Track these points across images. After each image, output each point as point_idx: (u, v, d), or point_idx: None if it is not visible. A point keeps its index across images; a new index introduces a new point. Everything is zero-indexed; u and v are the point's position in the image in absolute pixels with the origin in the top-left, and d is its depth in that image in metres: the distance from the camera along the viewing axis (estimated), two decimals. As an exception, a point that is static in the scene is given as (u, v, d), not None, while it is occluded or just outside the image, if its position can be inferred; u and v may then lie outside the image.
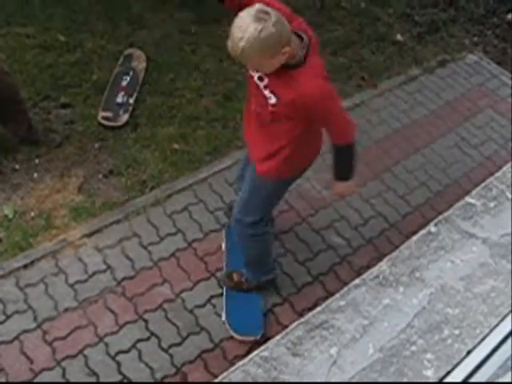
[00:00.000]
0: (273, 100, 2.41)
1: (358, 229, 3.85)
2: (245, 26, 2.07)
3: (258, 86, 2.47)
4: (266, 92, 2.43)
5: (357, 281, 1.77)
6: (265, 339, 2.98)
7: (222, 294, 3.33)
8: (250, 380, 1.43)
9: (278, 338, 1.59)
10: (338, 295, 1.74)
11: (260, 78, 2.44)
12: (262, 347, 1.56)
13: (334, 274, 3.56)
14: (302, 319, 1.67)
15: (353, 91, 4.94)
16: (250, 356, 1.51)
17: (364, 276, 1.80)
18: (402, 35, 5.69)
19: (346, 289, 1.77)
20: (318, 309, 1.70)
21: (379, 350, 1.54)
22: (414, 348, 1.54)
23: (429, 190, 4.22)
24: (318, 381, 1.42)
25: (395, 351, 1.56)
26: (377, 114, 4.75)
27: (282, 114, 2.46)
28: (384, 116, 4.74)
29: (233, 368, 1.51)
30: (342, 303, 1.68)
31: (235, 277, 3.33)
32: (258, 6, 2.14)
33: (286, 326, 3.12)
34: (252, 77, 2.49)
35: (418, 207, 4.08)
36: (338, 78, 5.00)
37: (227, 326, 3.18)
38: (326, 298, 3.31)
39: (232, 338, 3.16)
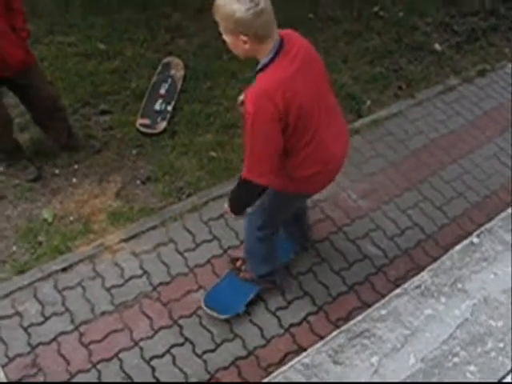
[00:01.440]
0: None
1: (394, 239, 3.81)
2: None
3: None
4: None
5: (398, 290, 1.75)
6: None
7: (256, 302, 3.33)
8: (292, 387, 1.42)
9: (318, 345, 1.58)
10: (379, 304, 1.72)
11: None
12: (304, 354, 1.56)
13: (369, 284, 3.53)
14: (343, 327, 1.66)
15: (390, 101, 4.91)
16: (291, 363, 1.51)
17: (405, 286, 1.78)
18: (441, 44, 5.64)
19: (387, 298, 1.76)
20: (359, 317, 1.69)
21: (421, 361, 1.52)
22: (456, 359, 1.51)
23: (466, 200, 4.16)
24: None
25: (437, 362, 1.54)
26: (414, 123, 4.71)
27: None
28: (421, 126, 4.70)
29: (274, 374, 1.50)
30: (384, 312, 1.67)
31: (238, 263, 3.38)
32: None
33: (320, 336, 3.14)
34: None
35: (456, 218, 4.03)
36: (375, 88, 4.99)
37: (203, 300, 3.25)
38: (361, 308, 3.31)
39: (266, 345, 3.16)
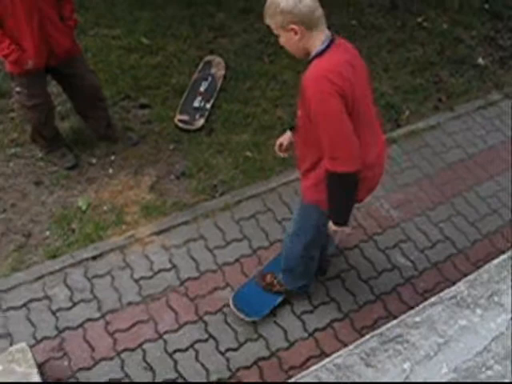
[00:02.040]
0: (299, 113, 2.43)
1: (425, 251, 3.77)
2: None
3: None
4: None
5: (433, 299, 1.73)
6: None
7: (282, 305, 3.33)
8: (323, 386, 1.43)
9: (351, 347, 1.58)
10: (413, 311, 1.71)
11: None
12: (335, 354, 1.56)
13: (396, 295, 3.50)
14: (377, 331, 1.65)
15: (429, 112, 4.87)
16: (323, 362, 1.51)
17: (441, 295, 1.76)
18: (484, 58, 5.58)
19: (421, 306, 1.74)
20: (393, 322, 1.68)
21: (453, 371, 1.50)
22: (490, 373, 1.49)
23: (501, 218, 4.10)
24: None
25: (470, 373, 1.52)
26: (452, 136, 4.66)
27: (301, 113, 2.41)
28: (459, 139, 4.65)
29: (305, 372, 1.50)
30: (418, 319, 1.66)
31: (268, 278, 3.34)
32: None
33: (344, 343, 3.13)
34: None
35: (488, 235, 3.97)
36: (415, 98, 4.95)
37: (231, 299, 3.25)
38: (387, 318, 3.30)
39: (289, 348, 3.16)
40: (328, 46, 2.29)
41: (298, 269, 3.15)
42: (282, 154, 3.01)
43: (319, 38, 2.29)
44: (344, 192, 2.40)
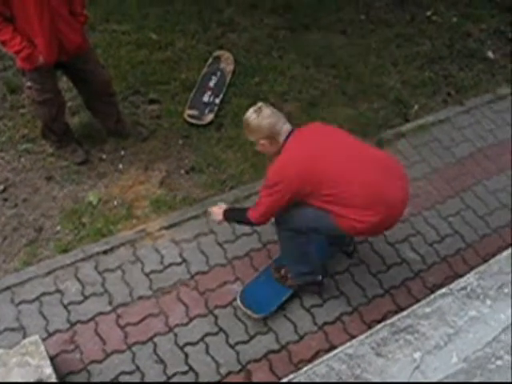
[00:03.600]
0: None
1: (434, 246, 3.78)
2: (247, 113, 2.90)
3: None
4: None
5: (443, 290, 1.75)
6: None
7: (292, 298, 3.35)
8: (334, 375, 1.44)
9: (362, 337, 1.60)
10: (424, 302, 1.72)
11: None
12: (347, 344, 1.57)
13: (405, 289, 3.51)
14: (388, 321, 1.67)
15: (438, 107, 4.87)
16: (335, 351, 1.52)
17: (451, 286, 1.78)
18: (494, 52, 5.55)
19: (432, 296, 1.76)
20: (404, 313, 1.70)
21: (463, 360, 1.51)
22: (499, 362, 1.50)
23: (510, 212, 4.09)
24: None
25: (480, 363, 1.53)
26: (461, 131, 4.65)
27: None
28: (468, 134, 4.64)
29: (318, 361, 1.52)
30: (428, 310, 1.67)
31: (283, 271, 3.36)
32: (260, 103, 2.91)
33: (353, 336, 3.14)
34: None
35: (498, 229, 3.97)
36: (424, 93, 4.95)
37: (239, 297, 3.28)
38: (396, 312, 3.30)
39: (299, 341, 3.18)
40: (285, 140, 2.83)
41: (290, 249, 3.21)
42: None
43: (281, 140, 2.84)
44: (243, 223, 3.14)
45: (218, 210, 3.20)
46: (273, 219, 3.06)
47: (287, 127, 2.86)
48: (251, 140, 2.96)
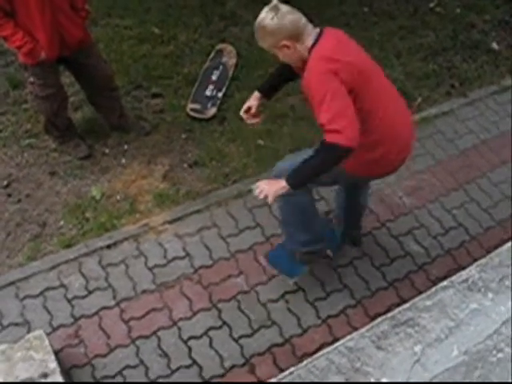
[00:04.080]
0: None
1: (438, 238, 3.77)
2: (260, 15, 2.47)
3: None
4: None
5: (445, 283, 1.74)
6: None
7: (295, 291, 3.36)
8: (334, 368, 1.44)
9: (363, 330, 1.60)
10: (424, 295, 1.72)
11: None
12: (348, 337, 1.58)
13: (409, 282, 3.51)
14: (389, 314, 1.67)
15: (441, 99, 4.84)
16: (336, 345, 1.53)
17: (452, 279, 1.77)
18: (498, 43, 5.51)
19: (433, 289, 1.75)
20: (405, 306, 1.70)
21: (464, 353, 1.51)
22: (500, 355, 1.50)
23: (511, 204, 4.09)
24: (400, 378, 1.43)
25: (481, 356, 1.53)
26: (465, 123, 4.62)
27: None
28: (472, 126, 4.61)
29: (318, 354, 1.53)
30: (429, 303, 1.67)
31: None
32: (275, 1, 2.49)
33: (356, 329, 3.13)
34: None
35: (502, 222, 3.95)
36: (427, 85, 4.92)
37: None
38: (399, 304, 3.28)
39: (302, 335, 3.18)
40: (317, 39, 2.44)
41: (291, 217, 2.98)
42: (249, 121, 3.01)
43: (309, 41, 2.45)
44: (323, 164, 2.41)
45: (275, 185, 2.54)
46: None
47: (312, 27, 2.47)
48: (267, 47, 2.51)
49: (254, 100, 2.99)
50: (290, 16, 2.40)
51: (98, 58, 3.74)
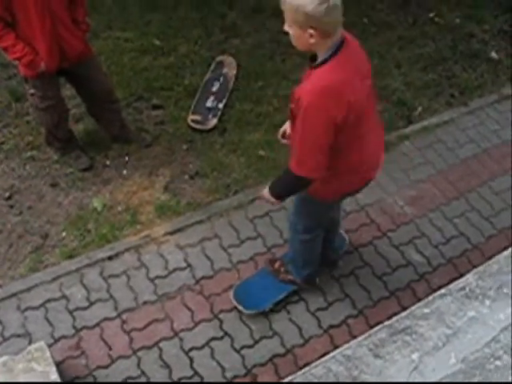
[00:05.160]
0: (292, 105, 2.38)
1: (439, 247, 3.77)
2: None
3: None
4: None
5: (442, 290, 1.74)
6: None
7: (296, 301, 3.36)
8: (332, 377, 1.44)
9: (360, 338, 1.60)
10: (422, 303, 1.72)
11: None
12: (345, 346, 1.58)
13: (411, 291, 3.50)
14: (386, 322, 1.67)
15: (442, 108, 4.85)
16: (333, 353, 1.53)
17: (450, 286, 1.78)
18: (497, 52, 5.53)
19: (431, 297, 1.76)
20: (403, 314, 1.70)
21: (462, 361, 1.51)
22: (498, 363, 1.50)
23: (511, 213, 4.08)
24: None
25: (478, 364, 1.53)
26: (465, 132, 4.63)
27: (293, 112, 2.37)
28: (473, 135, 4.62)
29: (315, 363, 1.53)
30: (427, 311, 1.67)
31: (277, 264, 3.39)
32: None
33: (359, 339, 3.14)
34: None
35: (503, 230, 3.95)
36: (427, 94, 4.94)
37: (232, 293, 3.28)
38: (402, 314, 3.29)
39: (304, 345, 3.18)
40: (332, 55, 2.25)
41: (300, 257, 3.20)
42: (285, 141, 2.99)
43: (329, 44, 2.24)
44: (294, 188, 2.59)
45: (266, 194, 2.72)
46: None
47: (338, 36, 2.26)
48: (288, 17, 2.21)
49: (288, 127, 2.94)
50: (337, 14, 2.15)
51: (98, 72, 3.77)
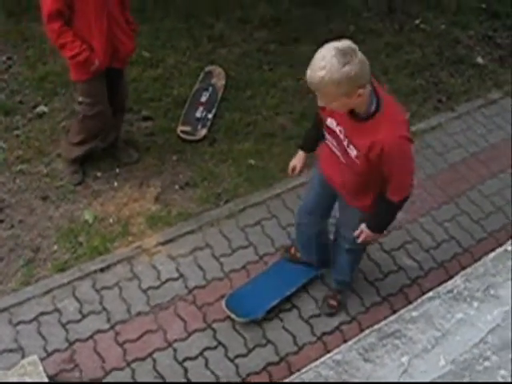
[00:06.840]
0: (354, 152, 2.44)
1: (430, 252, 3.79)
2: (329, 57, 2.08)
3: (333, 131, 2.55)
4: (345, 142, 2.47)
5: (430, 293, 1.76)
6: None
7: (289, 309, 3.36)
8: (322, 381, 1.45)
9: (350, 343, 1.61)
10: (411, 306, 1.74)
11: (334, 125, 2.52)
12: (335, 351, 1.59)
13: (403, 296, 3.52)
14: (375, 326, 1.68)
15: (429, 113, 4.90)
16: (323, 358, 1.54)
17: (438, 289, 1.79)
18: (483, 58, 5.60)
19: (419, 301, 1.77)
20: (391, 318, 1.71)
21: (451, 363, 1.52)
22: (487, 363, 1.52)
23: (505, 215, 4.12)
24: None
25: (467, 365, 1.54)
26: (453, 137, 4.68)
27: (363, 165, 2.44)
28: (461, 139, 4.67)
29: (305, 369, 1.54)
30: (415, 314, 1.69)
31: (292, 250, 3.49)
32: (345, 41, 2.15)
33: (353, 345, 3.14)
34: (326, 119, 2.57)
35: (493, 233, 3.99)
36: (415, 100, 4.98)
37: (224, 303, 3.29)
38: (394, 319, 3.31)
39: (298, 352, 3.19)
40: (378, 99, 2.33)
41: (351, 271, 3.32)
42: (293, 176, 3.15)
43: (367, 93, 2.26)
44: (395, 213, 2.72)
45: (368, 234, 2.78)
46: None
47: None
48: (330, 97, 2.20)
49: (299, 161, 3.05)
50: (364, 57, 2.16)
51: (125, 77, 3.82)
